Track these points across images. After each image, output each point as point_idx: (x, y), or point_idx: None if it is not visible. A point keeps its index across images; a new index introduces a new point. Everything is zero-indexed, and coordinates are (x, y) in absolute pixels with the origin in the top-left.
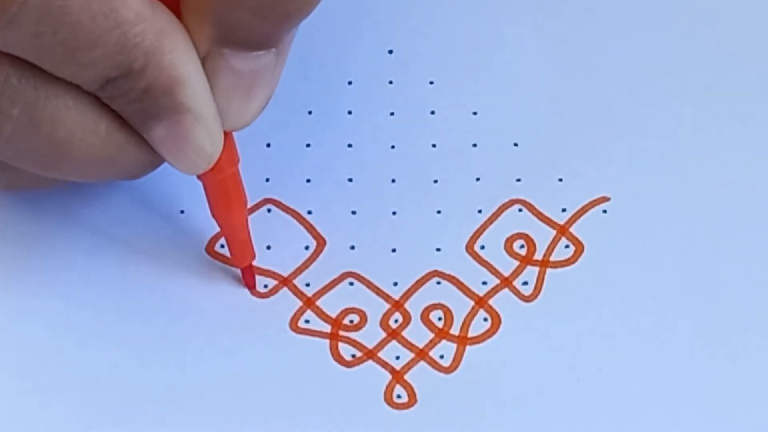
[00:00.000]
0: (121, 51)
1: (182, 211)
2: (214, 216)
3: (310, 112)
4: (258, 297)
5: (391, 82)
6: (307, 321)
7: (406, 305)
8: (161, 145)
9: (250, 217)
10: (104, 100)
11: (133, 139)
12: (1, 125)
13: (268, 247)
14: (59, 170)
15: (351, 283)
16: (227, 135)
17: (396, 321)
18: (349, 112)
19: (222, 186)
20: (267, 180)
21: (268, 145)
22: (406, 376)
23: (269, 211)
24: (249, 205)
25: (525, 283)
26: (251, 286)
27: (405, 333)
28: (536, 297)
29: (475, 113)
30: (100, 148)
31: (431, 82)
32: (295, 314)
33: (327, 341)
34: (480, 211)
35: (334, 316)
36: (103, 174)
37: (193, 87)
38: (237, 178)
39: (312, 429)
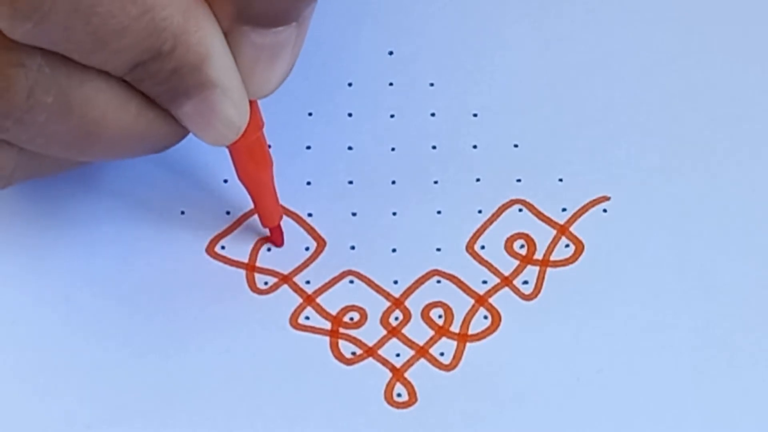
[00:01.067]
0: (150, 35)
1: (182, 212)
2: (241, 179)
3: (310, 114)
4: (258, 293)
5: (391, 84)
6: (307, 318)
7: (407, 303)
8: (190, 121)
9: (249, 221)
10: (132, 83)
11: (162, 114)
12: (35, 114)
13: (269, 249)
14: (91, 153)
15: (351, 281)
16: (251, 102)
17: (396, 318)
18: (350, 114)
19: (249, 150)
20: None
21: (269, 147)
22: (406, 374)
23: None
24: (250, 208)
25: (525, 282)
26: (279, 244)
27: (405, 330)
28: (536, 296)
29: (475, 115)
30: (131, 126)
31: (431, 84)
32: (295, 311)
33: (327, 338)
34: (480, 212)
35: (334, 313)
36: (132, 151)
37: (219, 62)
38: (262, 142)
39: (312, 428)
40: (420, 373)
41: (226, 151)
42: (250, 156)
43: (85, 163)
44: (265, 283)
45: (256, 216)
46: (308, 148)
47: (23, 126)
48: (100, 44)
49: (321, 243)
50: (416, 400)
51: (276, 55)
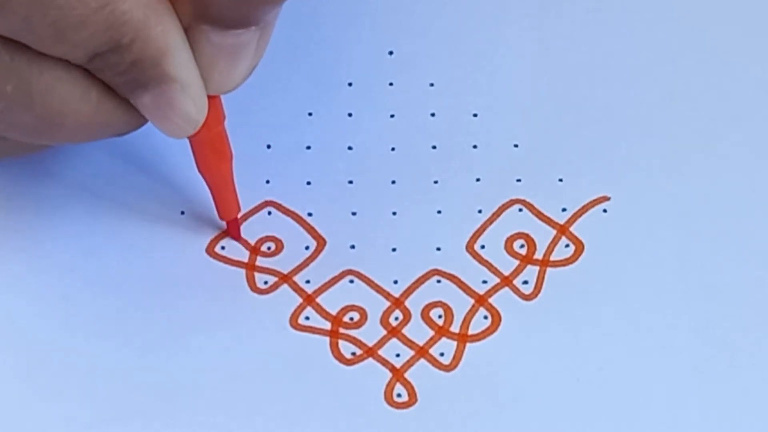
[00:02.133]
0: (109, 28)
1: (182, 212)
2: (201, 171)
3: (310, 114)
4: (258, 293)
5: (391, 84)
6: (307, 318)
7: (407, 303)
8: (148, 112)
9: (250, 220)
10: (93, 72)
11: (122, 101)
12: None
13: (269, 248)
14: (52, 138)
15: (351, 281)
16: (213, 96)
17: (396, 318)
18: (350, 114)
19: (210, 143)
20: (267, 182)
21: (269, 147)
22: (406, 375)
23: (269, 213)
24: (249, 208)
25: (525, 282)
26: (236, 237)
27: (405, 330)
28: (536, 296)
29: (475, 115)
30: (92, 114)
31: (431, 84)
32: (295, 311)
33: (327, 339)
34: (480, 211)
35: (334, 313)
36: (94, 136)
37: (179, 57)
38: (223, 135)
39: (312, 428)
40: (420, 373)
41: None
42: (211, 148)
43: (48, 146)
44: (265, 283)
45: (256, 217)
46: (308, 148)
47: None
48: (59, 35)
49: (321, 242)
50: (416, 400)
51: (236, 56)
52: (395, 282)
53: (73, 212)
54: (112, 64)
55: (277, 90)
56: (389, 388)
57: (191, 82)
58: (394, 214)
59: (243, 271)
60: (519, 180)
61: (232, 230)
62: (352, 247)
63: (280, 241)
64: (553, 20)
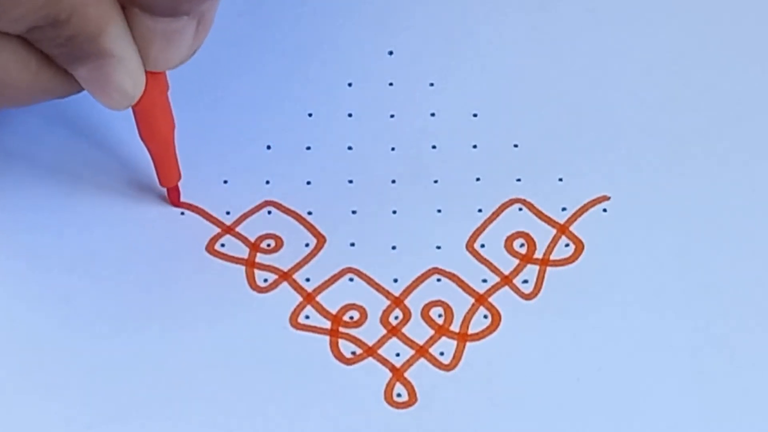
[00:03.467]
0: (46, 4)
1: (182, 213)
2: (142, 138)
3: (310, 115)
4: (258, 291)
5: (391, 84)
6: (307, 317)
7: (407, 302)
8: (86, 84)
9: (249, 219)
10: (31, 42)
11: (61, 70)
12: None
13: (269, 245)
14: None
15: (351, 279)
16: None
17: (396, 318)
18: (350, 115)
19: (152, 111)
20: (267, 182)
21: (269, 148)
22: (406, 374)
23: (269, 213)
24: (249, 208)
25: (525, 281)
26: (176, 203)
27: (405, 330)
28: (536, 295)
29: (475, 115)
30: (32, 81)
31: (431, 84)
32: (295, 310)
33: (327, 338)
34: (480, 211)
35: (334, 312)
36: (34, 101)
37: (115, 34)
38: (166, 104)
39: (312, 428)
40: (420, 372)
41: (226, 151)
42: (154, 117)
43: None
44: (265, 281)
45: (256, 216)
46: (308, 148)
47: None
48: None
49: (321, 239)
50: (416, 400)
51: (170, 41)
52: (395, 280)
53: (72, 212)
54: (51, 38)
55: (277, 90)
56: (389, 387)
57: (127, 57)
58: (394, 212)
59: (243, 269)
60: (519, 180)
61: (172, 196)
62: (352, 244)
63: (280, 238)
64: (553, 20)
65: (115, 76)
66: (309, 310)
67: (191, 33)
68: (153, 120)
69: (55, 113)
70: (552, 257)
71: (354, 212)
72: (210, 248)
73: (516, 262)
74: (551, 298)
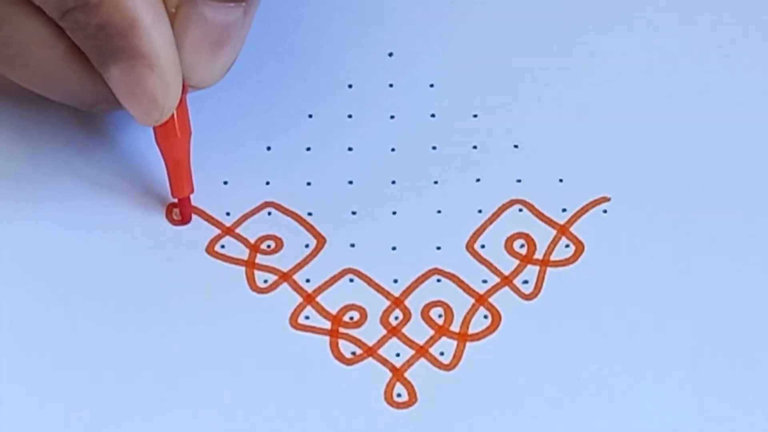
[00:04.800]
0: None
1: None
2: (159, 145)
3: (310, 116)
4: (258, 292)
5: (391, 85)
6: (307, 317)
7: (407, 302)
8: (116, 88)
9: (249, 220)
10: (66, 31)
11: (90, 68)
12: None
13: (269, 246)
14: (19, 74)
15: (351, 280)
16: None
17: (396, 318)
18: (350, 116)
19: (170, 119)
20: (267, 183)
21: (269, 149)
22: (406, 374)
23: (269, 214)
24: (249, 209)
25: (525, 282)
26: (187, 219)
27: (405, 330)
28: (536, 295)
29: (475, 116)
30: (58, 65)
31: (431, 85)
32: (295, 310)
33: (327, 338)
34: (480, 211)
35: (334, 312)
36: (59, 93)
37: (149, 33)
38: (184, 112)
39: (312, 428)
40: (420, 372)
41: (227, 152)
42: (171, 124)
43: (19, 93)
44: (265, 282)
45: (256, 217)
46: (308, 149)
47: None
48: None
49: (321, 240)
50: (416, 400)
51: (222, 38)
52: (395, 281)
53: (72, 212)
54: (82, 24)
55: (277, 92)
56: (389, 387)
57: (163, 64)
58: (394, 213)
59: (243, 270)
60: (519, 180)
61: (183, 209)
62: (352, 245)
63: (280, 239)
64: (553, 20)
65: (147, 81)
66: (309, 310)
67: (238, 31)
68: (170, 125)
69: (56, 113)
70: (552, 258)
71: (354, 213)
72: (210, 249)
73: (516, 262)
74: (551, 298)
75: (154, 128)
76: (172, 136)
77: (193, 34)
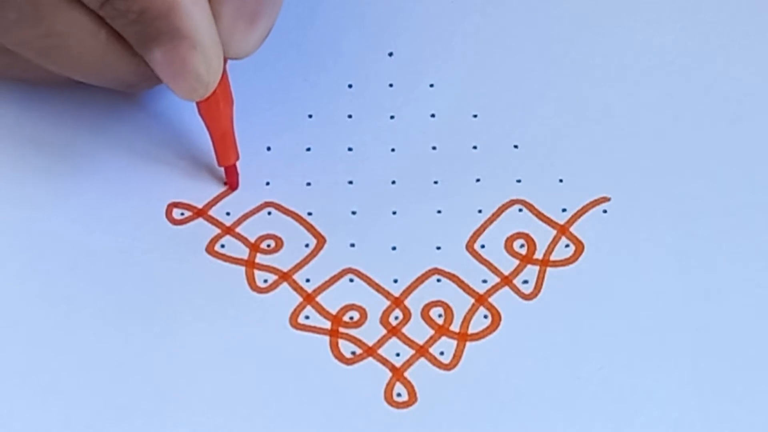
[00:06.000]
0: None
1: (182, 213)
2: (201, 115)
3: (310, 116)
4: (258, 292)
5: (391, 85)
6: (307, 317)
7: (406, 302)
8: (159, 69)
9: (249, 220)
10: (107, 20)
11: (132, 51)
12: (6, 10)
13: (268, 245)
14: (60, 65)
15: (351, 280)
16: None
17: (396, 318)
18: (349, 116)
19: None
20: (267, 183)
21: (269, 149)
22: (406, 374)
23: (269, 213)
24: (249, 209)
25: (525, 282)
26: (234, 186)
27: (405, 330)
28: (536, 295)
29: (475, 116)
30: (100, 52)
31: (431, 85)
32: (295, 310)
33: (327, 338)
34: (480, 211)
35: (334, 312)
36: (102, 78)
37: (189, 13)
38: (226, 81)
39: (312, 428)
40: (420, 372)
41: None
42: (213, 97)
43: (56, 81)
44: (265, 281)
45: (256, 216)
46: (308, 149)
47: None
48: None
49: (321, 240)
50: (416, 399)
51: (258, 10)
52: (395, 281)
53: (72, 212)
54: (122, 12)
55: (277, 92)
56: (389, 387)
57: (204, 42)
58: (394, 213)
59: (243, 269)
60: (519, 180)
61: (229, 177)
62: (352, 245)
63: (280, 238)
64: (553, 21)
65: (190, 60)
66: (309, 310)
67: (274, 1)
68: (213, 97)
69: (56, 112)
70: (552, 258)
71: (354, 213)
72: (210, 249)
73: (516, 262)
74: (551, 298)
75: (197, 102)
76: (216, 108)
77: (229, 7)
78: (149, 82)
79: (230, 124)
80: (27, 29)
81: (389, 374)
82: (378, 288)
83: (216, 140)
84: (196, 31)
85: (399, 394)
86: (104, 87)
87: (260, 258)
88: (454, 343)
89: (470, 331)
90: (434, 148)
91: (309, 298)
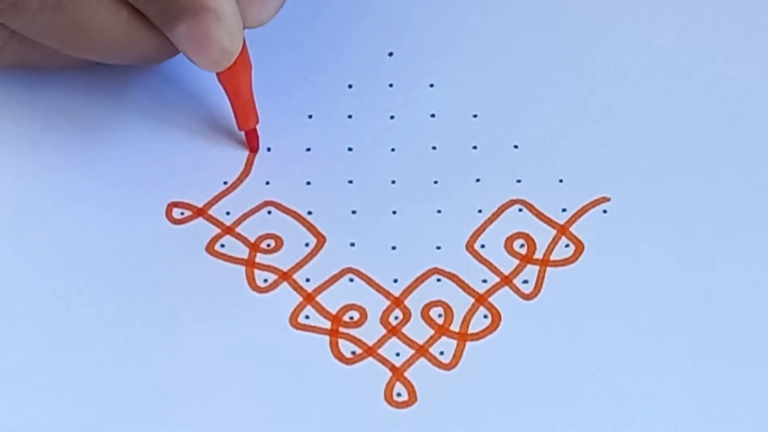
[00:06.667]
0: None
1: (182, 213)
2: (220, 80)
3: (310, 116)
4: (258, 292)
5: (391, 85)
6: (307, 317)
7: (406, 302)
8: (183, 43)
9: (249, 219)
10: (129, 1)
11: (153, 28)
12: (28, 1)
13: (268, 245)
14: (82, 49)
15: (351, 279)
16: None
17: (396, 318)
18: (350, 116)
19: None
20: (267, 183)
21: (269, 150)
22: (406, 374)
23: (269, 213)
24: (249, 208)
25: (525, 282)
26: (254, 149)
27: (405, 330)
28: (536, 295)
29: (475, 116)
30: (122, 32)
31: (431, 85)
32: (295, 309)
33: (327, 338)
34: (480, 211)
35: (334, 312)
36: (123, 57)
37: None
38: (244, 48)
39: (312, 428)
40: (420, 372)
41: (228, 151)
42: (233, 65)
43: (71, 65)
44: (265, 281)
45: (256, 216)
46: (308, 150)
47: (17, 10)
48: None
49: (321, 239)
50: (416, 399)
51: None
52: (395, 281)
53: (72, 212)
54: None
55: (276, 92)
56: (389, 387)
57: (227, 13)
58: (394, 213)
59: (243, 269)
60: (519, 181)
61: (250, 140)
62: (352, 244)
63: (280, 238)
64: (553, 21)
65: (215, 32)
66: (309, 310)
67: None
68: (232, 66)
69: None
70: (552, 258)
71: (354, 212)
72: (210, 249)
73: (516, 262)
74: (551, 298)
75: (218, 72)
76: (235, 75)
77: None
78: (168, 55)
79: (250, 90)
80: (50, 17)
81: (389, 374)
82: (378, 288)
83: (236, 106)
84: (219, 2)
85: (399, 394)
86: (119, 65)
87: (260, 258)
88: (454, 343)
89: (470, 331)
90: (434, 148)
91: (309, 298)
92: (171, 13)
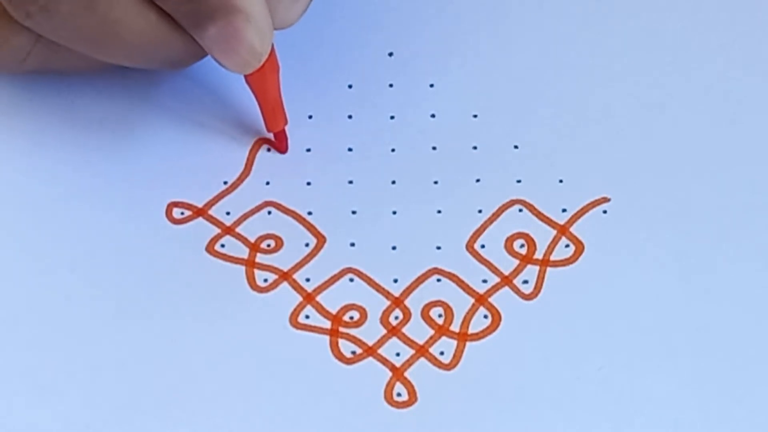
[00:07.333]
0: None
1: (182, 213)
2: (248, 83)
3: (310, 116)
4: (258, 292)
5: (391, 85)
6: (307, 317)
7: (407, 302)
8: (214, 45)
9: (249, 219)
10: (157, 2)
11: (180, 30)
12: (58, 4)
13: (268, 245)
14: (111, 52)
15: (351, 279)
16: None
17: (396, 318)
18: (350, 116)
19: None
20: (267, 183)
21: (269, 150)
22: (406, 374)
23: (269, 213)
24: (250, 207)
25: (525, 282)
26: (283, 150)
27: (405, 330)
28: (536, 295)
29: (475, 116)
30: (150, 35)
31: (431, 85)
32: (295, 309)
33: (327, 337)
34: (480, 211)
35: (334, 312)
36: (150, 60)
37: None
38: (271, 50)
39: (312, 428)
40: (420, 372)
41: (228, 151)
42: (261, 67)
43: (93, 69)
44: (265, 281)
45: (256, 216)
46: (308, 150)
47: (47, 14)
48: None
49: (321, 239)
50: (416, 399)
51: None
52: (395, 281)
53: (72, 211)
54: None
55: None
56: (389, 387)
57: (257, 14)
58: (394, 213)
59: (243, 269)
60: (519, 181)
61: (279, 141)
62: (352, 244)
63: (280, 238)
64: (553, 20)
65: (245, 34)
66: (309, 310)
67: None
68: (261, 68)
69: (54, 111)
70: (552, 258)
71: (354, 212)
72: (210, 249)
73: (516, 262)
74: (551, 298)
75: (246, 74)
76: (264, 77)
77: None
78: (194, 59)
79: (278, 91)
80: (80, 20)
81: (389, 374)
82: (378, 288)
83: (265, 108)
84: (249, 3)
85: (399, 394)
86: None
87: (260, 257)
88: (454, 343)
89: (470, 331)
90: (434, 148)
91: (309, 298)
92: (201, 14)
